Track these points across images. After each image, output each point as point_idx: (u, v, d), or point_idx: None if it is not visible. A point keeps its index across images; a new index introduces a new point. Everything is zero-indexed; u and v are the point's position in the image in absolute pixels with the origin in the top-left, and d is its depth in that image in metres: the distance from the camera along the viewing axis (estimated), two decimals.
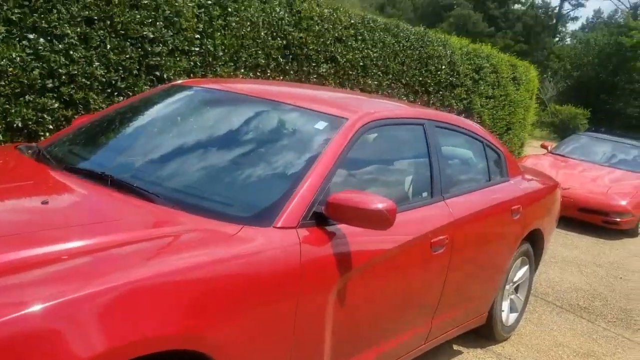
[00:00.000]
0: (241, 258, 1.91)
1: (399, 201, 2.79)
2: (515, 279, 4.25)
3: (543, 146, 11.07)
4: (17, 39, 4.33)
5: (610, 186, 8.94)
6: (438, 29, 11.96)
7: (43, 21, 4.44)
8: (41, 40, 4.46)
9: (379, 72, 8.06)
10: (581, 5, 51.77)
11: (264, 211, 2.18)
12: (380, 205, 2.22)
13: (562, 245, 7.50)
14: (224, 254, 1.88)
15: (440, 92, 9.43)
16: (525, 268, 4.32)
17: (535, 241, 4.35)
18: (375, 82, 8.01)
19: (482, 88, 10.40)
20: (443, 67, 9.29)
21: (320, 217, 2.28)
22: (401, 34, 8.35)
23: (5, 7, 4.19)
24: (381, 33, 8.00)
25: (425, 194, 3.02)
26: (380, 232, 2.39)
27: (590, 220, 8.55)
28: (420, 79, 8.91)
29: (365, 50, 7.73)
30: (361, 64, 7.68)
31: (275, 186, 2.33)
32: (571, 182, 8.90)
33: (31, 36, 4.40)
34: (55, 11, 4.50)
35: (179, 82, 3.28)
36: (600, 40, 33.23)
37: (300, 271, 2.07)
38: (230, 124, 2.72)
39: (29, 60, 4.39)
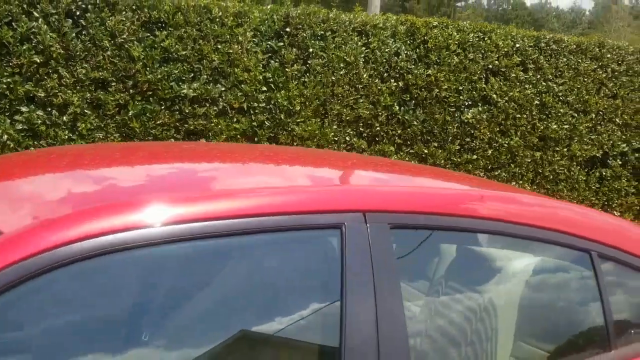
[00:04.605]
0: None
1: None
2: None
3: None
4: (7, 113, 3.66)
5: None
6: None
7: (39, 89, 3.70)
8: (38, 112, 3.72)
9: (571, 112, 5.65)
10: None
11: None
12: None
13: None
14: None
15: None
16: None
17: None
18: (566, 126, 5.60)
19: None
20: None
21: None
22: (607, 56, 5.81)
23: None
24: (570, 57, 5.63)
25: None
26: None
27: None
28: None
29: (543, 83, 5.47)
30: (537, 102, 5.43)
31: None
32: None
33: (24, 109, 3.68)
34: (55, 76, 3.74)
35: None
36: None
37: None
38: None
39: (22, 138, 3.67)
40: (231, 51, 4.22)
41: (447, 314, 1.46)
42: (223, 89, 4.23)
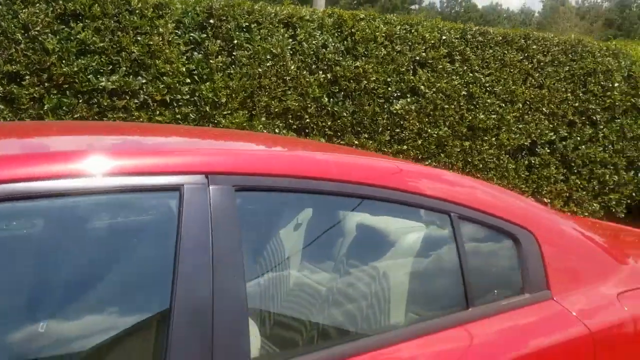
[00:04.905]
0: None
1: None
2: None
3: None
4: None
5: None
6: None
7: None
8: None
9: (499, 102, 5.80)
10: None
11: None
12: None
13: None
14: None
15: (618, 120, 6.61)
16: None
17: None
18: (494, 116, 5.75)
19: None
20: (616, 84, 6.51)
21: None
22: (533, 47, 5.98)
23: None
24: (496, 48, 5.78)
25: None
26: None
27: None
28: (577, 104, 6.31)
29: (470, 74, 5.60)
30: (464, 93, 5.56)
31: None
32: None
33: None
34: None
35: None
36: None
37: None
38: None
39: None
40: (152, 43, 4.18)
41: (297, 278, 1.48)
42: (144, 81, 4.17)
